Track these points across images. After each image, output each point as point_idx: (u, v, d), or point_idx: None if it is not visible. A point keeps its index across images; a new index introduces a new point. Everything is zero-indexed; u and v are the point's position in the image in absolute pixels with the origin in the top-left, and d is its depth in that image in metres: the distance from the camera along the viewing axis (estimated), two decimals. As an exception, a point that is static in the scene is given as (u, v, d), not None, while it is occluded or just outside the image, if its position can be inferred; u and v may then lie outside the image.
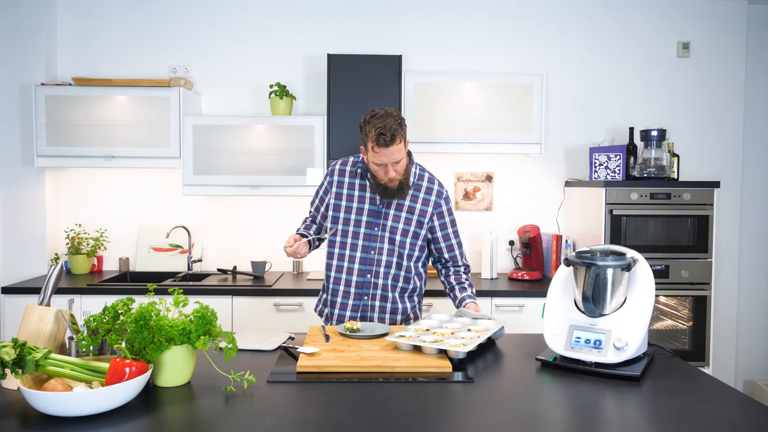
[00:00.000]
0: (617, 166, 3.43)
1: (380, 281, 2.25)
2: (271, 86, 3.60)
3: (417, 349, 1.81)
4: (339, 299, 2.28)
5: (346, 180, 2.28)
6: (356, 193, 2.26)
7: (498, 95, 3.46)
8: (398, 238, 2.23)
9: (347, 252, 2.25)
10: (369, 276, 2.25)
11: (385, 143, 2.05)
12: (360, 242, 2.24)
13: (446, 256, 2.33)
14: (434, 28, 3.76)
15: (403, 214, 2.24)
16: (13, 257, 3.56)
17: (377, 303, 2.26)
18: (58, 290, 3.08)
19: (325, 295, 2.36)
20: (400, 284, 2.27)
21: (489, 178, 3.82)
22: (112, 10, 3.72)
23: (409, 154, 2.25)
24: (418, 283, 2.33)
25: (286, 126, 3.45)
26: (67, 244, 3.65)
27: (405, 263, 2.26)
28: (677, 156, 3.55)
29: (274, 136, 3.44)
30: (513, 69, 3.77)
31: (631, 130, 3.56)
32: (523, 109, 3.45)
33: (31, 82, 3.50)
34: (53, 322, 1.65)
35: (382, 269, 2.24)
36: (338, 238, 2.27)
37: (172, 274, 3.60)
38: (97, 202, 3.76)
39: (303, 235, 2.30)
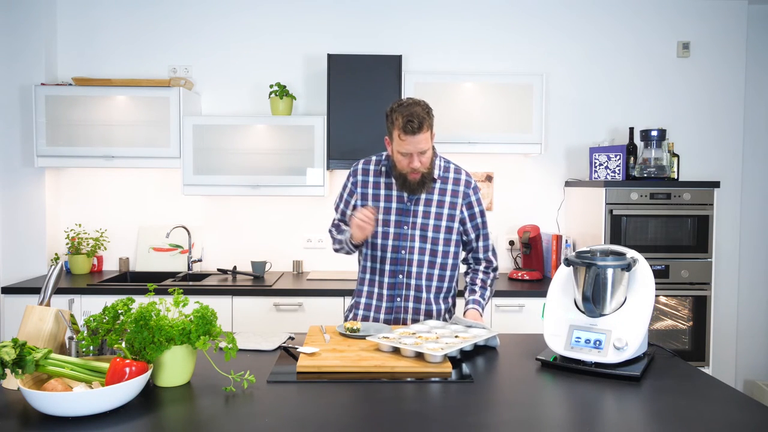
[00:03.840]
0: (617, 166, 3.42)
1: (413, 282, 2.16)
2: (271, 86, 3.60)
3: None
4: (373, 302, 2.21)
5: (371, 179, 2.19)
6: (382, 192, 2.17)
7: (498, 95, 3.46)
8: (430, 234, 2.14)
9: (378, 253, 2.17)
10: (401, 277, 2.16)
11: (412, 131, 1.97)
12: (390, 242, 2.15)
13: (479, 245, 2.22)
14: (434, 28, 3.76)
15: (433, 209, 2.15)
16: (13, 257, 3.56)
17: (411, 305, 2.17)
18: (58, 290, 3.08)
19: (356, 299, 2.27)
20: (435, 284, 2.18)
21: (489, 178, 3.82)
22: (112, 10, 3.72)
23: (434, 148, 2.15)
24: (453, 283, 2.24)
25: (286, 126, 3.45)
26: (67, 244, 3.64)
27: (439, 261, 2.16)
28: (677, 156, 3.55)
29: (274, 136, 3.44)
30: (513, 69, 3.77)
31: (631, 130, 3.56)
32: (522, 109, 3.45)
33: (31, 82, 3.50)
34: (53, 322, 1.65)
35: (414, 269, 2.15)
36: (367, 240, 2.17)
37: (172, 274, 3.60)
38: (97, 202, 3.76)
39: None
